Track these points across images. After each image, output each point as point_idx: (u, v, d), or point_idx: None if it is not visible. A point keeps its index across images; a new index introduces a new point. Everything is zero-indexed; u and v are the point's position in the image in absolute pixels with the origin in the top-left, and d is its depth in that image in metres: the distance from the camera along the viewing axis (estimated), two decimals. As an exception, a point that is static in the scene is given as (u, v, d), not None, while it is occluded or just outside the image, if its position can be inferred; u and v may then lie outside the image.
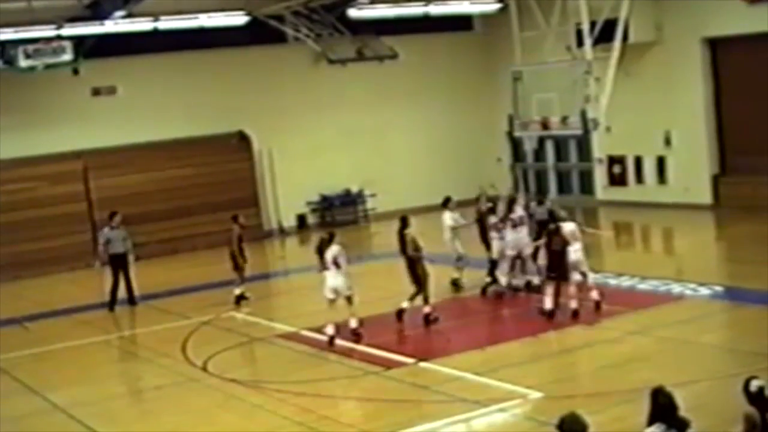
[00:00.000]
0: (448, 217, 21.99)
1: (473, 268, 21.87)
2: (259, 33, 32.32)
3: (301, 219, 34.99)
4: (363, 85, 35.00)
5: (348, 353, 17.45)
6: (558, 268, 18.50)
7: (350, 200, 35.38)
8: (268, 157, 34.20)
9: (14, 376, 18.13)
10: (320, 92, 34.62)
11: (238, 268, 22.82)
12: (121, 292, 23.80)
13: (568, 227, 18.94)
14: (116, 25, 28.81)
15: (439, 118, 36.62)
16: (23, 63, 28.22)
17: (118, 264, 23.77)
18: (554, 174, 35.90)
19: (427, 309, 19.24)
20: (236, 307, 22.38)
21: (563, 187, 35.30)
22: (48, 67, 28.56)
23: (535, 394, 14.14)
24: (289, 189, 34.21)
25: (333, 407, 14.45)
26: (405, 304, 19.28)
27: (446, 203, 22.28)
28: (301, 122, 34.40)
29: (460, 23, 36.71)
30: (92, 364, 19.10)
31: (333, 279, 18.20)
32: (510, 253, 20.86)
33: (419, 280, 19.23)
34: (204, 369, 17.35)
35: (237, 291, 22.78)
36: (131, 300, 23.90)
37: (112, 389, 17.24)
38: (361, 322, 18.50)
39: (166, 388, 16.68)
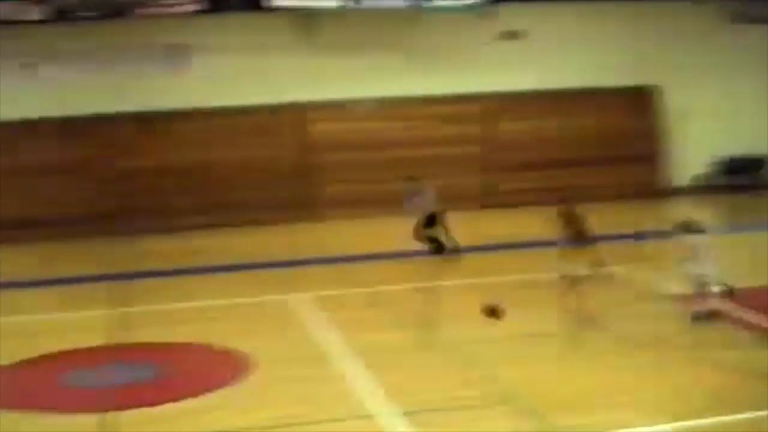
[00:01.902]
0: None
1: None
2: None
3: (701, 180, 33.49)
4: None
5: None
6: None
7: (758, 165, 33.63)
8: (672, 114, 32.87)
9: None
10: (735, 52, 32.86)
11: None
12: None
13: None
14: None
15: None
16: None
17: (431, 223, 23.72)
18: None
19: None
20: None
21: None
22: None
23: None
24: (689, 148, 32.85)
25: (731, 378, 13.08)
26: None
27: None
28: (712, 81, 32.82)
29: None
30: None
31: None
32: None
33: None
34: (588, 324, 16.56)
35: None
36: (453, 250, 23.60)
37: (507, 330, 16.57)
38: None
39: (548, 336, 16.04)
